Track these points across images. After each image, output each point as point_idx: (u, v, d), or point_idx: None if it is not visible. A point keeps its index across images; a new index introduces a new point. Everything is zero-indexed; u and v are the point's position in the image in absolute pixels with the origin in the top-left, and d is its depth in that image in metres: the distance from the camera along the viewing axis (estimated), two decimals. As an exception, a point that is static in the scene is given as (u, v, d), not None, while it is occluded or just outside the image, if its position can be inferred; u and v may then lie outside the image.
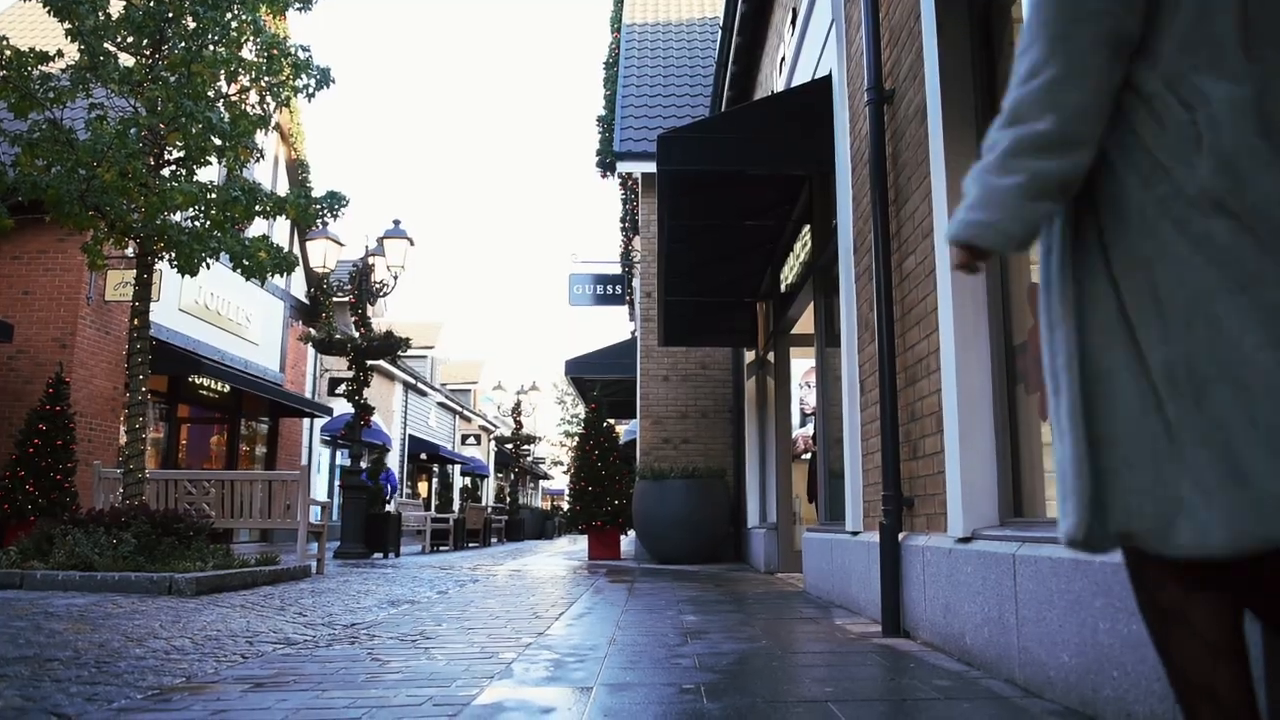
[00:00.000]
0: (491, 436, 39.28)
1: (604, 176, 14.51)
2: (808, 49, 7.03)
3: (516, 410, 30.99)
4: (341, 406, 18.68)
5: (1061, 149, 1.32)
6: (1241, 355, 1.19)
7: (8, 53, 7.25)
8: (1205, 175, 1.24)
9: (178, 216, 7.98)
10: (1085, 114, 1.30)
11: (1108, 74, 1.30)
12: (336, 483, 21.07)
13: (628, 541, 14.73)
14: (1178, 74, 1.27)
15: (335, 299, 18.62)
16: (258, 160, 8.77)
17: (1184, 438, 1.23)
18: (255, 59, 8.22)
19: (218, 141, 7.81)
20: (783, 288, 8.60)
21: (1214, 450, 1.20)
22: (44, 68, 7.43)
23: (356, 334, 13.56)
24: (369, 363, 13.59)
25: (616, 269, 17.21)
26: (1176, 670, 1.30)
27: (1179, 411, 1.23)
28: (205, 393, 16.13)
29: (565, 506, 15.53)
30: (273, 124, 8.63)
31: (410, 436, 27.83)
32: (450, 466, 33.23)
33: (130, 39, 7.94)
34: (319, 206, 8.46)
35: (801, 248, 7.93)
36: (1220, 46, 1.25)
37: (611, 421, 14.38)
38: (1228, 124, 1.22)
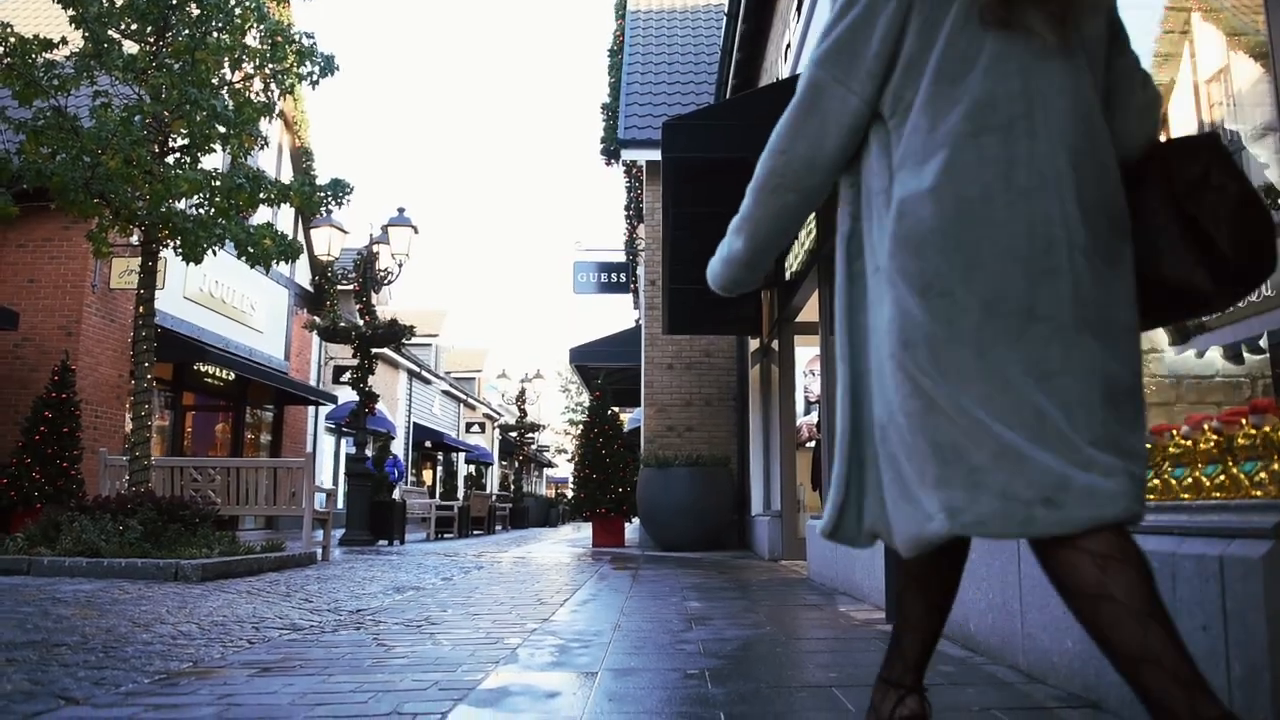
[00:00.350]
0: (496, 424, 39.33)
1: (608, 164, 14.48)
2: (813, 35, 7.00)
3: (521, 398, 31.05)
4: (346, 394, 18.70)
5: (736, 235, 1.79)
6: (893, 412, 1.54)
7: (12, 40, 7.25)
8: (885, 254, 1.56)
9: (182, 204, 7.99)
10: (750, 220, 1.76)
11: (771, 195, 1.72)
12: (341, 470, 21.15)
13: (632, 529, 14.76)
14: (894, 177, 1.60)
15: (340, 287, 18.62)
16: (262, 148, 8.77)
17: (880, 467, 1.62)
18: (259, 46, 8.21)
19: (222, 129, 7.81)
20: (787, 275, 8.58)
21: (890, 478, 1.58)
22: (48, 55, 7.43)
23: (361, 322, 13.57)
24: (373, 351, 13.61)
25: (621, 257, 17.20)
26: (906, 613, 1.75)
27: (876, 448, 1.63)
28: (210, 380, 16.17)
29: (569, 494, 15.56)
30: (277, 111, 8.62)
31: (415, 424, 27.88)
32: (455, 454, 33.30)
33: (134, 26, 7.93)
34: (323, 194, 8.46)
35: (806, 235, 7.91)
36: (915, 157, 1.56)
37: (616, 409, 14.40)
38: (907, 212, 1.53)
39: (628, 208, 16.02)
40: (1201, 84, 2.83)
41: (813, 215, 7.63)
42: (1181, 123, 2.93)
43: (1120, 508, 1.37)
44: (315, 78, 8.32)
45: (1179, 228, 1.58)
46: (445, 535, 16.72)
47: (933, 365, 1.47)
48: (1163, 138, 1.75)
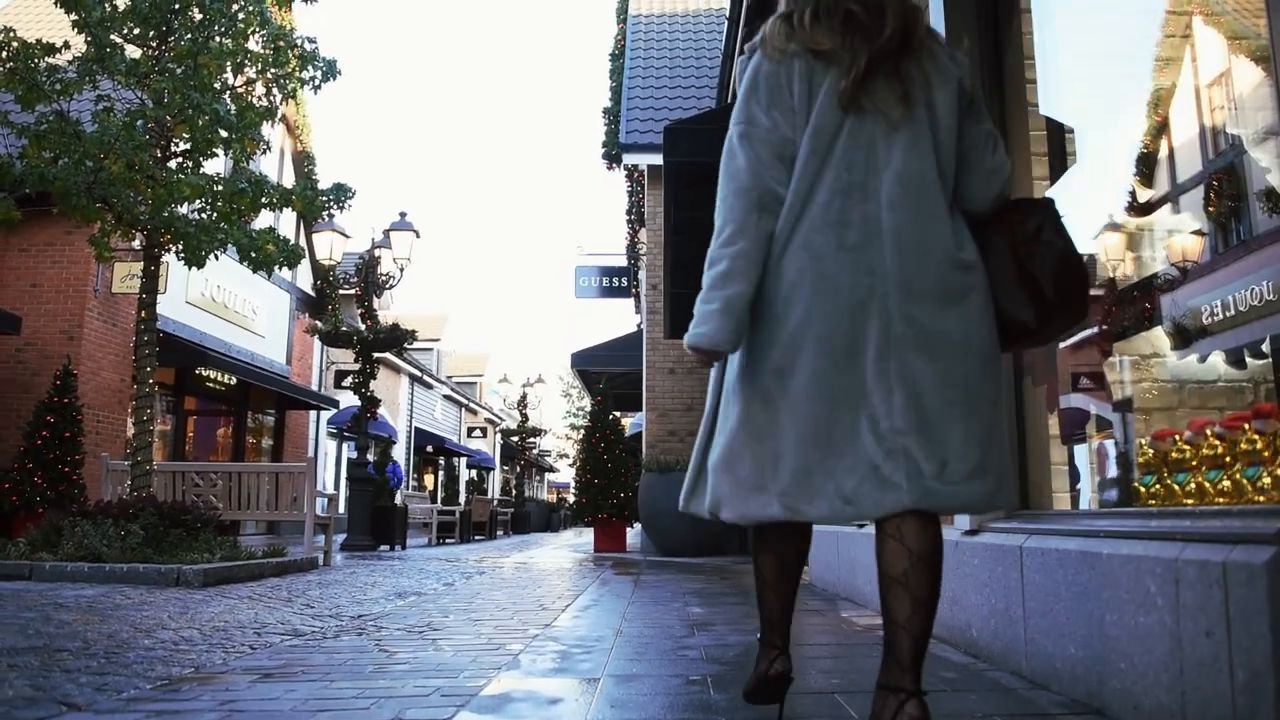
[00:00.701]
0: (497, 429, 39.32)
1: (610, 169, 14.48)
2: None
3: (522, 403, 31.03)
4: (348, 399, 18.71)
5: (732, 280, 1.87)
6: (740, 425, 1.93)
7: (15, 44, 7.26)
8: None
9: (185, 208, 7.99)
10: (744, 255, 1.87)
11: (757, 227, 1.88)
12: (343, 475, 21.14)
13: (633, 534, 14.75)
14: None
15: (341, 291, 18.65)
16: (264, 152, 8.78)
17: (726, 465, 1.99)
18: (262, 51, 8.22)
19: (224, 133, 7.81)
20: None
21: (741, 473, 1.94)
22: (51, 59, 7.43)
23: (362, 326, 13.57)
24: (375, 355, 13.61)
25: (622, 261, 17.18)
26: (756, 571, 2.17)
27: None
28: (212, 385, 16.17)
29: (571, 499, 15.54)
30: (279, 116, 8.63)
31: (416, 429, 27.88)
32: (456, 459, 33.29)
33: (137, 31, 7.94)
34: (325, 199, 8.46)
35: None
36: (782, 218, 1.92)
37: (617, 414, 14.38)
38: (769, 265, 1.90)
39: (629, 212, 16.01)
40: (1203, 88, 2.83)
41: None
42: (1184, 126, 2.93)
43: (893, 504, 1.79)
44: (317, 82, 8.32)
45: (1015, 271, 1.93)
46: (447, 540, 16.72)
47: (776, 391, 1.86)
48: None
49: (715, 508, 2.00)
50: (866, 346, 1.80)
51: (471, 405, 36.17)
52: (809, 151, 1.87)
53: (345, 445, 22.57)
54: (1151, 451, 2.78)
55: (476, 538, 18.83)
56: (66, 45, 7.49)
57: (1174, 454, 2.54)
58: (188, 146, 7.97)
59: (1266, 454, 2.16)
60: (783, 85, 1.91)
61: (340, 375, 19.80)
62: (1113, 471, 3.26)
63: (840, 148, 1.87)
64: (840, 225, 1.83)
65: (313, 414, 19.58)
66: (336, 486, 21.19)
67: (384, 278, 13.76)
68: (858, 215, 1.83)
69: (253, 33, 8.17)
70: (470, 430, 36.28)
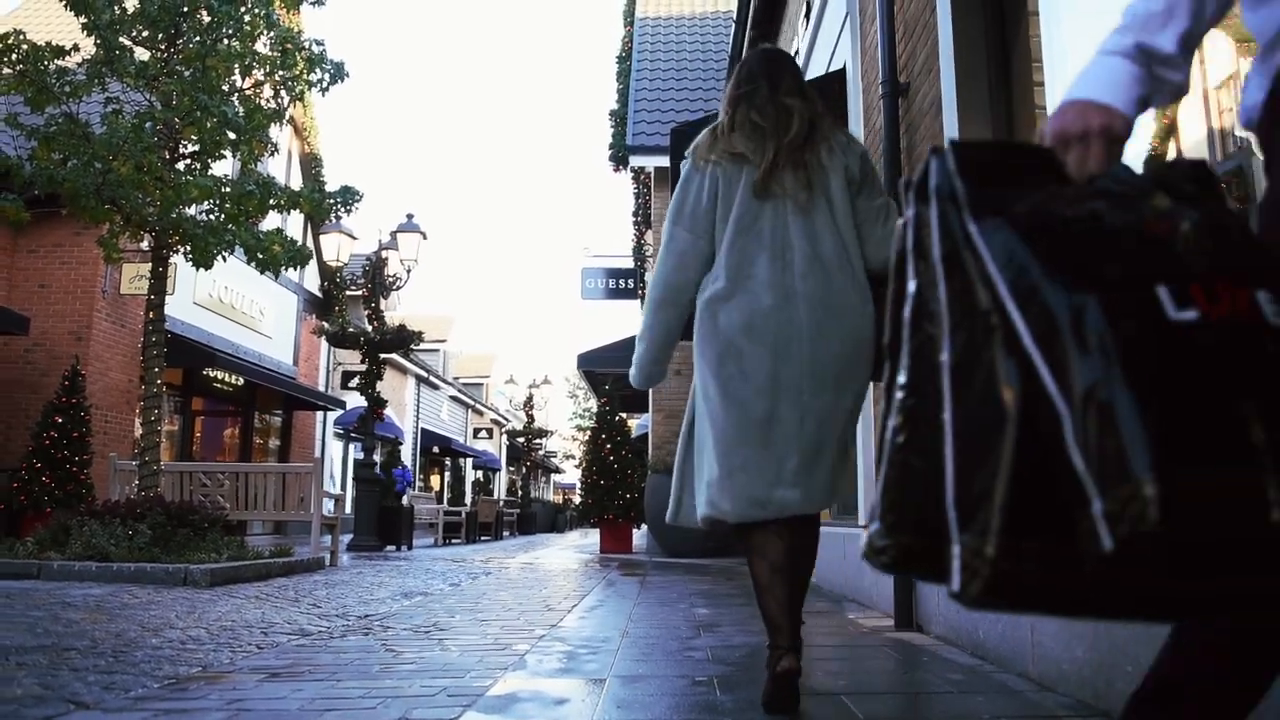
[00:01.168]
0: (503, 430, 39.33)
1: (616, 170, 14.47)
2: (822, 42, 7.00)
3: (528, 404, 31.03)
4: (354, 400, 18.74)
5: (638, 341, 2.55)
6: (701, 441, 2.46)
7: (24, 47, 7.29)
8: (696, 343, 2.45)
9: (193, 210, 8.01)
10: (651, 330, 2.53)
11: (664, 311, 2.50)
12: (349, 476, 21.18)
13: (640, 535, 14.74)
14: (705, 293, 2.45)
15: (348, 292, 18.67)
16: (272, 154, 8.79)
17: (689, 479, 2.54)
18: (269, 53, 8.24)
19: (232, 135, 7.83)
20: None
21: (695, 484, 2.47)
22: (60, 62, 7.46)
23: (369, 327, 13.59)
24: (382, 356, 13.63)
25: (629, 263, 17.14)
26: (752, 578, 2.44)
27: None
28: (219, 386, 16.20)
29: (577, 500, 15.52)
30: (286, 118, 8.65)
31: (423, 430, 27.90)
32: (462, 460, 33.31)
33: (145, 33, 7.97)
34: (333, 200, 8.48)
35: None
36: (714, 284, 2.40)
37: (623, 415, 14.38)
38: (704, 318, 2.39)
39: (636, 214, 16.01)
40: (1211, 91, 2.82)
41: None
42: (1191, 129, 2.92)
43: (796, 509, 2.28)
44: (325, 84, 8.34)
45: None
46: (453, 541, 16.73)
47: (720, 414, 2.32)
48: None
49: (716, 514, 2.34)
50: (786, 382, 2.28)
51: (478, 406, 36.18)
52: (736, 232, 2.36)
53: (352, 446, 22.60)
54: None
55: (482, 538, 18.85)
56: (76, 48, 7.52)
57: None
58: (196, 148, 8.00)
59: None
60: (703, 190, 2.42)
61: (347, 376, 19.82)
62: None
63: (759, 228, 2.35)
64: (767, 287, 2.31)
65: (319, 415, 19.60)
66: (343, 487, 21.22)
67: (391, 279, 13.79)
68: (778, 280, 2.31)
69: (260, 35, 8.20)
70: (476, 431, 36.29)
